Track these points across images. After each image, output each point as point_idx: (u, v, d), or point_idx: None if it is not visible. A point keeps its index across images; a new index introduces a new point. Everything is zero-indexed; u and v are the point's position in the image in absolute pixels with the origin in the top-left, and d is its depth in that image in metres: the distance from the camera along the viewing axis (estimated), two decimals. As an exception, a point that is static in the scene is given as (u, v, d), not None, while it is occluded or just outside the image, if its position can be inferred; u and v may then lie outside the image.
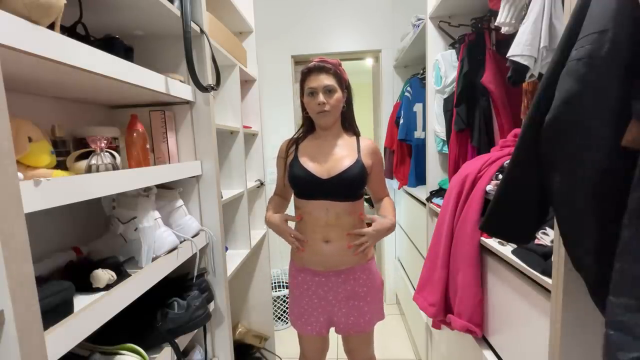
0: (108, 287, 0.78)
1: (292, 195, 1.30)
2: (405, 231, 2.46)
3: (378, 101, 2.84)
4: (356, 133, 1.29)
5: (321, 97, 1.14)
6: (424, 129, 2.03)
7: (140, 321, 0.94)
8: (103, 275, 0.77)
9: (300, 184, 1.20)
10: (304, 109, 1.25)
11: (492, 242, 1.04)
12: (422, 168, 1.97)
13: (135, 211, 0.93)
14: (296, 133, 1.30)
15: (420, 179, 2.11)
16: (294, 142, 1.27)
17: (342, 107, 1.22)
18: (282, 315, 2.61)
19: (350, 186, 1.18)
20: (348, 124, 1.28)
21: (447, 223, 1.25)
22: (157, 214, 0.98)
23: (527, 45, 0.96)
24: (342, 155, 1.20)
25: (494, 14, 1.19)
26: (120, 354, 0.82)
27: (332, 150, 1.22)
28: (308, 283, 1.26)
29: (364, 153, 1.22)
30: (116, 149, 0.99)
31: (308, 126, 1.28)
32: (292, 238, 1.22)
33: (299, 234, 1.22)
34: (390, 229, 1.21)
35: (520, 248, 0.91)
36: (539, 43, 0.95)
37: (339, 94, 1.17)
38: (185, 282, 1.15)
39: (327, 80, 1.15)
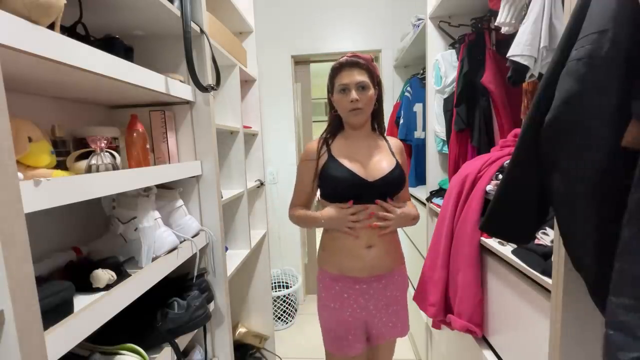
0: (108, 287, 0.77)
1: (316, 202, 1.24)
2: (405, 231, 2.46)
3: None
4: (382, 132, 1.23)
5: (354, 94, 1.06)
6: (424, 129, 2.03)
7: (140, 321, 0.94)
8: (103, 275, 0.77)
9: (344, 186, 1.10)
10: (332, 107, 1.18)
11: (492, 242, 1.04)
12: (422, 168, 1.97)
13: (135, 211, 0.93)
14: (323, 133, 1.21)
15: (420, 179, 2.11)
16: (324, 142, 1.17)
17: (374, 105, 1.15)
18: (282, 315, 2.61)
19: (395, 189, 1.14)
20: (377, 123, 1.22)
21: (447, 223, 1.25)
22: (157, 214, 0.98)
23: (527, 45, 0.96)
24: (379, 157, 1.14)
25: (494, 14, 1.19)
26: (120, 354, 0.82)
27: (369, 151, 1.15)
28: (348, 292, 1.14)
29: (395, 153, 1.18)
30: (116, 149, 0.99)
31: (335, 126, 1.19)
32: (352, 222, 1.10)
33: (356, 208, 1.10)
34: (415, 218, 1.18)
35: (520, 248, 0.91)
36: (539, 43, 0.95)
37: (372, 92, 1.09)
38: (185, 282, 1.15)
39: (360, 76, 1.07)
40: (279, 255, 2.79)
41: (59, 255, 0.86)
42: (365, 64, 1.09)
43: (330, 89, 1.15)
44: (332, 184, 1.12)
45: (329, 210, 1.13)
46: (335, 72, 1.11)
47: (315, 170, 1.15)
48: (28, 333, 0.51)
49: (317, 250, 1.26)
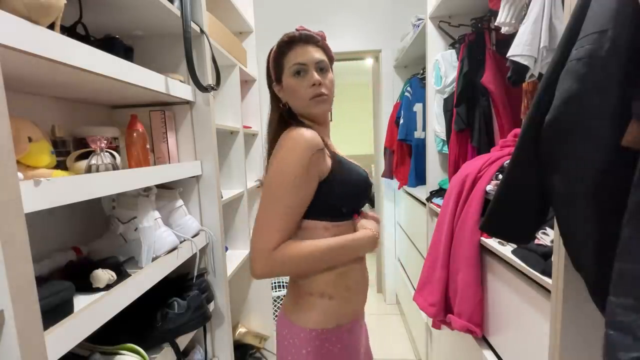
0: (108, 287, 0.77)
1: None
2: (405, 231, 2.46)
3: (378, 101, 2.84)
4: None
5: (315, 75, 0.81)
6: (424, 129, 2.03)
7: (140, 321, 0.94)
8: (103, 275, 0.77)
9: (364, 191, 0.87)
10: (276, 99, 0.88)
11: (492, 242, 1.04)
12: (422, 168, 1.97)
13: (135, 211, 0.93)
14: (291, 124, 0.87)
15: (420, 179, 2.11)
16: None
17: None
18: (282, 315, 2.61)
19: None
20: None
21: (447, 223, 1.25)
22: (157, 214, 0.98)
23: (527, 45, 0.96)
24: None
25: (494, 14, 1.19)
26: (120, 354, 0.82)
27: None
28: (358, 340, 0.89)
29: None
30: (116, 149, 0.99)
31: (282, 124, 0.87)
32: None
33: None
34: None
35: (520, 248, 0.91)
36: (539, 43, 0.95)
37: (332, 75, 0.86)
38: (185, 282, 1.15)
39: (318, 53, 0.83)
40: (279, 255, 2.78)
41: (59, 255, 0.86)
42: (321, 40, 0.87)
43: (276, 75, 0.86)
44: (353, 189, 0.84)
45: (370, 224, 0.85)
46: (283, 49, 0.83)
47: (332, 166, 0.80)
48: (28, 333, 0.51)
49: (300, 306, 0.84)
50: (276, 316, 2.50)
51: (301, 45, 0.83)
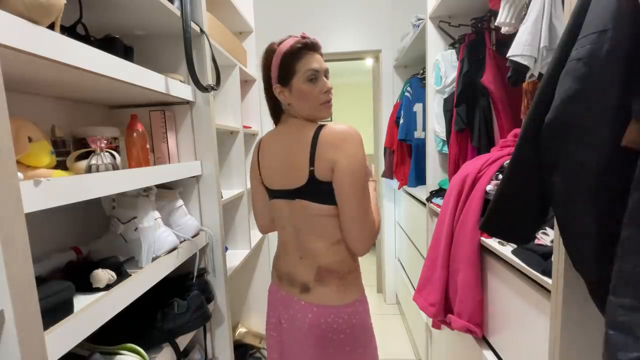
0: (108, 287, 0.78)
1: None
2: (405, 231, 2.46)
3: (378, 101, 2.84)
4: None
5: (328, 83, 0.89)
6: (424, 129, 2.03)
7: (140, 321, 0.95)
8: (103, 275, 0.77)
9: None
10: (273, 99, 0.94)
11: (492, 242, 1.04)
12: (422, 168, 1.97)
13: (135, 211, 0.93)
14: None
15: (420, 179, 2.11)
16: None
17: None
18: (282, 315, 2.60)
19: None
20: None
21: (447, 223, 1.25)
22: (157, 214, 0.98)
23: (527, 45, 0.96)
24: None
25: (494, 14, 1.19)
26: (120, 354, 0.82)
27: None
28: None
29: None
30: (116, 149, 0.99)
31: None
32: None
33: None
34: None
35: (520, 248, 0.91)
36: (539, 43, 0.95)
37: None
38: (185, 282, 1.15)
39: (324, 63, 0.90)
40: (279, 255, 2.78)
41: (59, 255, 0.86)
42: (321, 49, 0.92)
43: (284, 77, 0.88)
44: None
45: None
46: (297, 55, 0.86)
47: None
48: (28, 333, 0.51)
49: (345, 287, 0.93)
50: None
51: (312, 53, 0.88)
